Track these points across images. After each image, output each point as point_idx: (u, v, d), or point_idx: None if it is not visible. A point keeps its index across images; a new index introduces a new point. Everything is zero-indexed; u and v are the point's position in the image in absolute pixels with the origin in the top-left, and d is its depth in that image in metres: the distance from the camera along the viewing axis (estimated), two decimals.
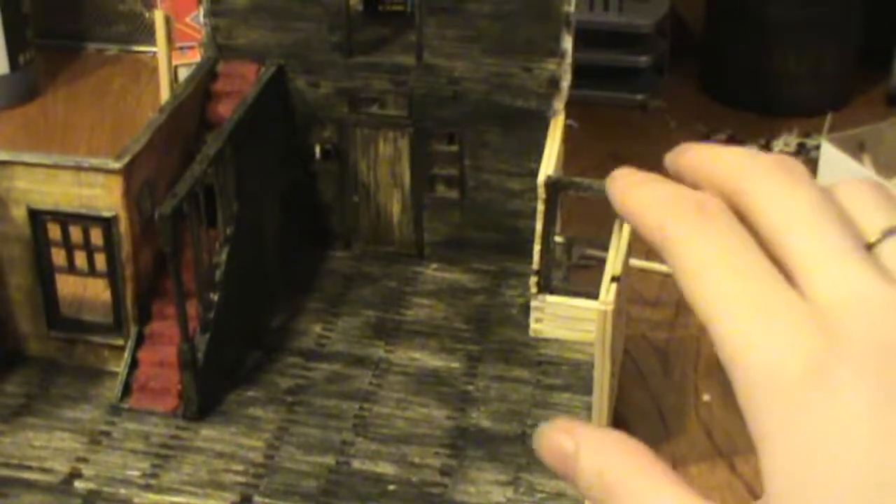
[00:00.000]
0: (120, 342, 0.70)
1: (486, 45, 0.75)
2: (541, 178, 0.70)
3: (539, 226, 0.71)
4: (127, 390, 0.68)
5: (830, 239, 0.27)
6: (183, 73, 0.93)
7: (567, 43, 0.73)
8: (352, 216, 0.81)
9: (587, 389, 0.69)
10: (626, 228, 0.67)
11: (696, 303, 0.28)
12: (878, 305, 0.26)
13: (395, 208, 0.81)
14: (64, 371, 0.71)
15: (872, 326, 0.26)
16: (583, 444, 0.30)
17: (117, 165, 0.65)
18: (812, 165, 0.87)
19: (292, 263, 0.80)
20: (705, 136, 0.99)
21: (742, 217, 0.29)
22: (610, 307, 0.60)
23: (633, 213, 0.31)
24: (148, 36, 1.10)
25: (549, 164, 0.71)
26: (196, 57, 0.91)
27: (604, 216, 0.79)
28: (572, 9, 0.72)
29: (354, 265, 0.81)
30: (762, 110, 1.02)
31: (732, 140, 0.98)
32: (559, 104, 0.75)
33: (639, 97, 1.04)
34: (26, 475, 0.63)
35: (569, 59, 0.74)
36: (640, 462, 0.29)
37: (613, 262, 0.64)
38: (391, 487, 0.62)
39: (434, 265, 0.81)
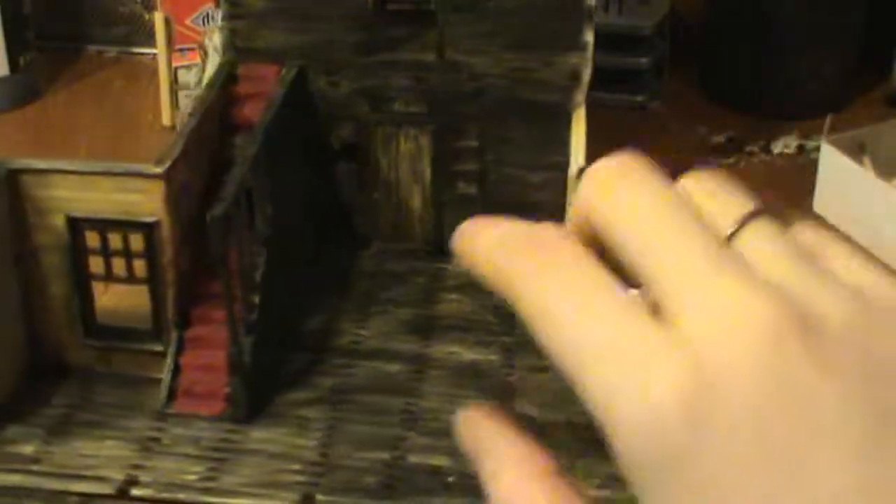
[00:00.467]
0: (160, 348, 0.69)
1: (508, 40, 0.76)
2: (573, 169, 0.71)
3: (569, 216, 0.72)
4: (171, 396, 0.68)
5: (684, 249, 0.24)
6: (183, 75, 0.93)
7: (589, 36, 0.75)
8: (373, 214, 0.82)
9: None
10: None
11: (551, 353, 0.24)
12: (745, 323, 0.22)
13: (417, 205, 0.81)
14: (103, 379, 0.70)
15: (743, 349, 0.22)
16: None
17: (158, 170, 0.65)
18: (812, 167, 0.89)
19: (317, 264, 0.80)
20: (705, 138, 1.00)
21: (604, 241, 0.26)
22: None
23: (476, 260, 0.28)
24: (148, 38, 1.10)
25: (578, 155, 0.72)
26: (196, 59, 0.91)
27: None
28: (594, 2, 0.74)
29: (378, 263, 0.81)
30: (762, 112, 1.03)
31: (732, 142, 0.99)
32: (580, 96, 0.76)
33: (639, 99, 1.04)
34: (82, 485, 0.63)
35: (590, 52, 0.75)
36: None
37: None
38: (451, 479, 0.63)
39: (455, 261, 0.81)
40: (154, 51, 0.99)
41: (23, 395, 0.69)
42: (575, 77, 0.76)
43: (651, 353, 0.23)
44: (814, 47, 1.01)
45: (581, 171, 0.71)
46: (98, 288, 0.69)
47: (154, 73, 0.98)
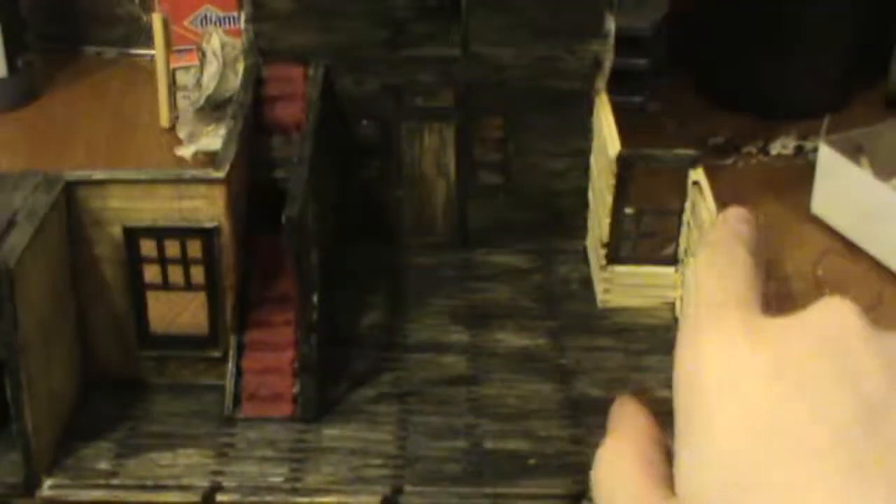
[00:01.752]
0: (217, 354, 0.69)
1: (532, 30, 0.77)
2: (612, 153, 0.73)
3: (610, 200, 0.74)
4: (236, 400, 0.68)
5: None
6: (181, 77, 0.92)
7: (610, 23, 0.77)
8: (396, 210, 0.82)
9: (671, 349, 0.72)
10: (707, 191, 0.70)
11: None
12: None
13: (440, 198, 0.82)
14: (158, 389, 0.70)
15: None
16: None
17: (220, 175, 0.65)
18: (810, 168, 0.90)
19: (347, 260, 0.80)
20: (703, 139, 1.02)
21: None
22: None
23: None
24: (146, 39, 1.08)
25: (613, 139, 0.74)
26: (194, 60, 0.90)
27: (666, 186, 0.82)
28: None
29: (406, 258, 0.82)
30: (760, 113, 1.04)
31: (730, 143, 1.01)
32: (601, 83, 0.78)
33: (636, 100, 1.04)
34: (166, 496, 0.62)
35: (611, 40, 0.77)
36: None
37: (709, 221, 0.67)
38: (531, 461, 0.64)
39: (481, 250, 0.83)
40: (152, 52, 0.98)
41: (84, 410, 0.68)
42: (597, 64, 0.77)
43: None
44: (811, 48, 1.02)
45: (623, 154, 0.73)
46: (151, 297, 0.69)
47: (152, 74, 0.97)
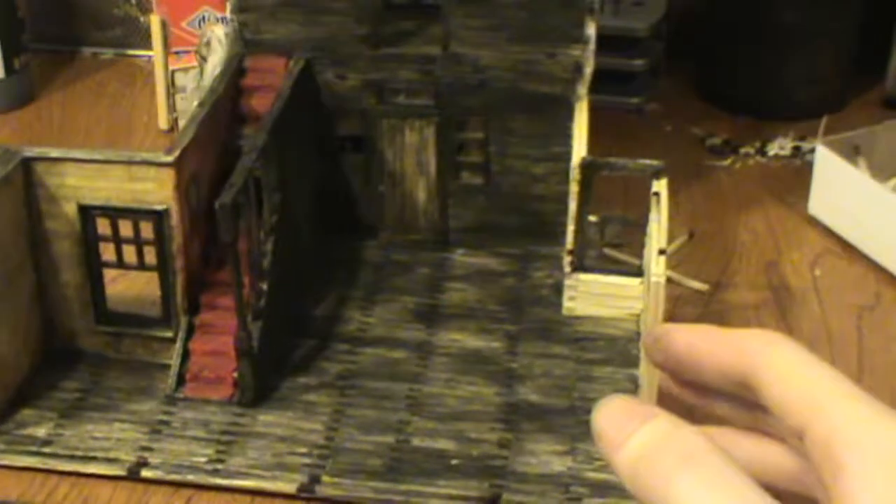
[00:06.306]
0: (169, 334, 0.71)
1: (512, 33, 0.77)
2: (575, 160, 0.72)
3: (573, 206, 0.73)
4: (180, 381, 0.69)
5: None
6: (180, 78, 0.94)
7: (591, 29, 0.76)
8: (378, 205, 0.83)
9: (627, 363, 0.71)
10: (664, 204, 0.69)
11: None
12: None
13: (421, 196, 0.82)
14: (113, 364, 0.72)
15: None
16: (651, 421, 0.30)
17: (169, 159, 0.66)
18: (807, 169, 0.89)
19: (324, 253, 0.81)
20: (701, 140, 1.01)
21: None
22: (662, 279, 0.63)
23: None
24: (144, 40, 1.11)
25: (581, 146, 0.73)
26: (192, 62, 0.92)
27: (632, 194, 0.82)
28: None
29: (383, 254, 0.83)
30: (758, 114, 1.03)
31: (727, 143, 1.00)
32: (583, 89, 0.77)
33: (635, 101, 1.04)
34: (93, 466, 0.64)
35: (592, 46, 0.76)
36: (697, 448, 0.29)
37: (657, 236, 0.66)
38: (454, 462, 0.64)
39: (461, 251, 0.83)
40: (150, 53, 0.99)
41: (36, 379, 0.70)
42: (577, 70, 0.77)
43: None
44: (809, 49, 1.01)
45: (584, 163, 0.72)
46: (110, 275, 0.71)
47: (149, 75, 0.99)
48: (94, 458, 0.65)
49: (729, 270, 0.83)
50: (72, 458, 0.65)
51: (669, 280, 0.81)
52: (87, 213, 0.68)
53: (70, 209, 0.68)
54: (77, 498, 0.63)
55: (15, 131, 1.02)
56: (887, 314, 0.78)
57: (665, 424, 0.30)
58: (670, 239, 0.85)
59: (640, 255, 0.75)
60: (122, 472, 0.64)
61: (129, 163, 0.66)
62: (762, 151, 0.98)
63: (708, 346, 0.33)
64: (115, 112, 1.06)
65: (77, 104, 1.07)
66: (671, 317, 0.78)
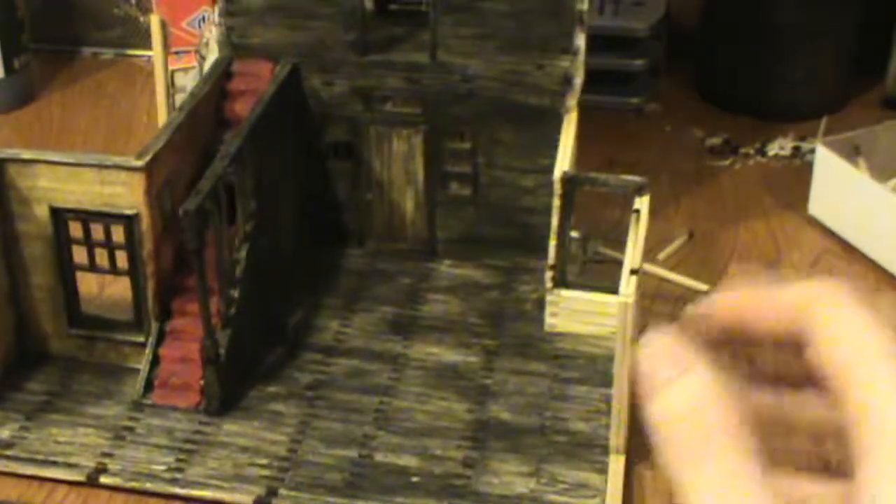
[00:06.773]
0: (141, 339, 0.70)
1: (500, 42, 0.76)
2: (557, 174, 0.71)
3: (555, 221, 0.72)
4: (149, 386, 0.69)
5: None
6: (179, 78, 0.93)
7: (580, 40, 0.74)
8: (365, 214, 0.82)
9: (604, 382, 0.70)
10: (643, 223, 0.67)
11: None
12: None
13: (409, 206, 0.81)
14: (84, 368, 0.71)
15: None
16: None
17: (139, 163, 0.66)
18: (807, 169, 0.88)
19: (308, 261, 0.81)
20: (701, 140, 0.99)
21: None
22: (631, 299, 0.61)
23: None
24: (143, 40, 1.10)
25: (564, 160, 0.72)
26: (192, 62, 0.91)
27: (616, 211, 0.81)
28: (585, 6, 0.73)
29: (369, 262, 0.82)
30: (758, 114, 1.02)
31: (727, 144, 0.99)
32: (572, 101, 0.76)
33: (634, 101, 1.03)
34: (53, 471, 0.64)
35: (582, 57, 0.75)
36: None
37: (632, 255, 0.65)
38: (415, 479, 0.63)
39: (447, 262, 0.82)
40: (149, 53, 0.99)
41: (6, 380, 0.70)
42: (566, 81, 0.75)
43: None
44: (809, 50, 1.00)
45: (566, 176, 0.70)
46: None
47: (149, 75, 0.98)
48: (54, 463, 0.64)
49: (729, 270, 0.82)
50: (32, 461, 0.65)
51: (669, 280, 0.79)
52: (59, 215, 0.68)
53: (42, 211, 0.68)
54: (77, 499, 0.63)
55: (14, 131, 1.03)
56: (886, 315, 0.77)
57: (696, 386, 0.28)
58: (670, 239, 0.84)
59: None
60: (81, 478, 0.64)
61: (100, 166, 0.66)
62: (762, 152, 0.97)
63: (756, 311, 0.31)
64: (114, 112, 1.06)
65: (77, 104, 1.08)
66: (671, 317, 0.76)
